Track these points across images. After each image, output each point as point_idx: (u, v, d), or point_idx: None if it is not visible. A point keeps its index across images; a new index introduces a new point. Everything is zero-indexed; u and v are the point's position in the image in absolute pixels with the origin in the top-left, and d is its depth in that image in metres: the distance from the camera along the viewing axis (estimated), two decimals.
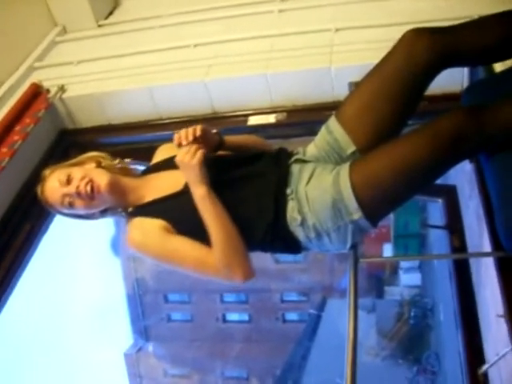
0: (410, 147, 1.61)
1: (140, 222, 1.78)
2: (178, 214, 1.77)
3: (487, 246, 2.33)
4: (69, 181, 1.78)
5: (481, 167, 2.06)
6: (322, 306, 16.47)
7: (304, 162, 1.82)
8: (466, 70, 2.41)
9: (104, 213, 1.89)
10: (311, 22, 2.86)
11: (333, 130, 1.79)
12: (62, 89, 2.90)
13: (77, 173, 1.80)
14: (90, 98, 2.88)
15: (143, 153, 2.21)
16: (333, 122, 1.80)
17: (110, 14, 3.65)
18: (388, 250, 15.59)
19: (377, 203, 1.66)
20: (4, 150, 2.52)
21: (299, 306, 18.17)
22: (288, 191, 1.73)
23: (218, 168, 1.79)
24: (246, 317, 19.02)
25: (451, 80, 2.35)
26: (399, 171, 1.60)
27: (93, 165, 1.89)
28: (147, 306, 19.48)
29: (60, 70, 3.10)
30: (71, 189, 1.77)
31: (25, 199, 2.62)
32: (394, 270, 16.71)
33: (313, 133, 1.90)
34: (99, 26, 3.49)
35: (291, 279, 17.60)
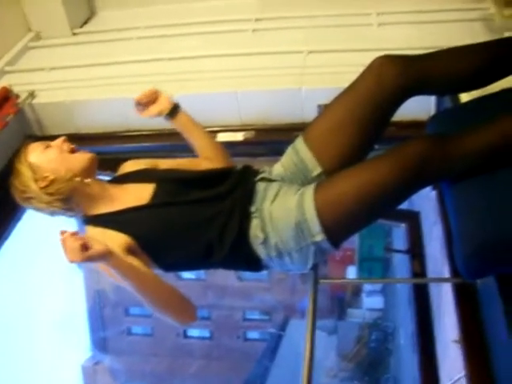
0: (374, 172, 1.63)
1: (102, 233, 1.72)
2: (141, 227, 1.75)
3: (447, 272, 2.37)
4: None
5: (442, 196, 2.10)
6: (283, 326, 16.42)
7: (270, 180, 1.83)
8: (433, 99, 2.46)
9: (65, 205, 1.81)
10: (284, 43, 2.90)
11: (299, 151, 1.81)
12: (32, 95, 2.88)
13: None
14: (59, 105, 2.86)
15: (110, 164, 2.20)
16: (300, 143, 1.82)
17: (86, 22, 3.64)
18: (352, 273, 15.65)
19: (340, 226, 1.68)
20: None
21: (261, 324, 18.09)
22: (252, 209, 1.74)
23: (184, 187, 1.80)
24: (207, 333, 18.88)
25: (419, 107, 2.40)
26: (363, 196, 1.62)
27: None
28: (107, 319, 19.23)
29: (31, 76, 3.08)
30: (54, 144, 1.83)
31: None
32: (357, 292, 16.77)
33: (280, 153, 1.92)
34: (74, 34, 3.48)
35: (254, 298, 17.54)
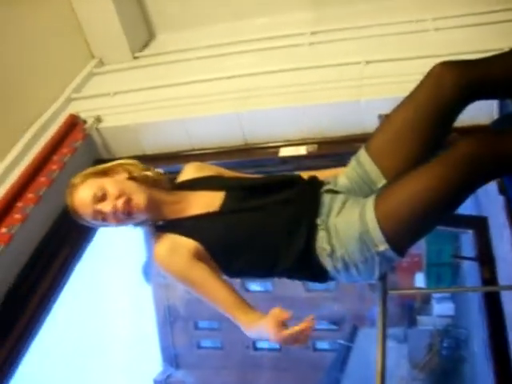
0: (427, 177, 1.62)
1: (172, 239, 1.76)
2: (211, 234, 1.77)
3: None
4: (103, 197, 1.72)
5: (510, 199, 2.07)
6: (352, 336, 16.27)
7: (335, 192, 1.84)
8: (495, 103, 2.42)
9: (135, 225, 1.85)
10: (341, 55, 2.91)
11: (363, 163, 1.82)
12: (98, 119, 2.99)
13: (112, 188, 1.74)
14: (125, 128, 2.96)
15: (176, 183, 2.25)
16: (363, 155, 1.83)
17: (146, 46, 3.75)
18: (420, 279, 15.40)
19: (401, 234, 1.68)
20: (42, 179, 2.61)
21: (330, 334, 17.96)
22: (318, 221, 1.76)
23: (252, 194, 1.83)
24: (276, 345, 18.86)
25: (481, 112, 2.36)
26: (418, 203, 1.62)
27: (124, 175, 1.82)
28: (177, 333, 19.44)
29: (97, 102, 3.20)
30: (107, 207, 1.71)
31: (62, 226, 2.66)
32: (427, 299, 16.46)
33: (343, 165, 1.93)
34: (135, 57, 3.59)
35: (322, 308, 17.44)
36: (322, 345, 18.37)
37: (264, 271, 1.83)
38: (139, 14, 3.72)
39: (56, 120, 3.03)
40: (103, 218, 1.74)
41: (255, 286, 18.13)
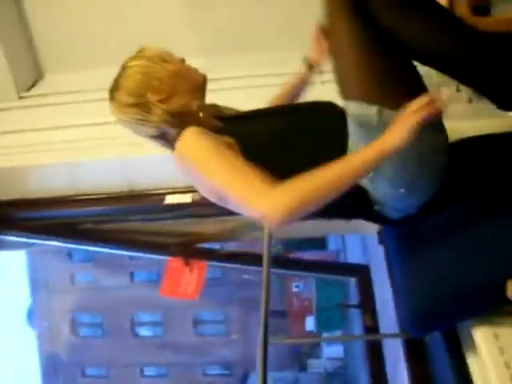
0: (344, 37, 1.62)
1: (201, 129, 1.56)
2: (250, 136, 1.63)
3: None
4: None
5: (388, 251, 2.14)
6: (244, 381, 16.22)
7: None
8: None
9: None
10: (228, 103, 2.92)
11: None
12: None
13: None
14: (5, 171, 2.84)
15: (59, 228, 2.19)
16: None
17: (33, 85, 3.64)
18: (311, 323, 15.66)
19: (371, 87, 1.61)
20: None
21: (221, 379, 17.83)
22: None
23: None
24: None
25: None
26: (357, 58, 1.60)
27: None
28: (63, 380, 18.67)
29: None
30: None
31: None
32: (317, 342, 16.73)
33: (227, 213, 1.93)
34: (20, 97, 3.47)
35: (213, 353, 17.31)
36: None
37: None
38: (27, 53, 3.61)
39: None
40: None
41: (144, 330, 17.81)
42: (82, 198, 2.83)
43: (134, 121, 1.66)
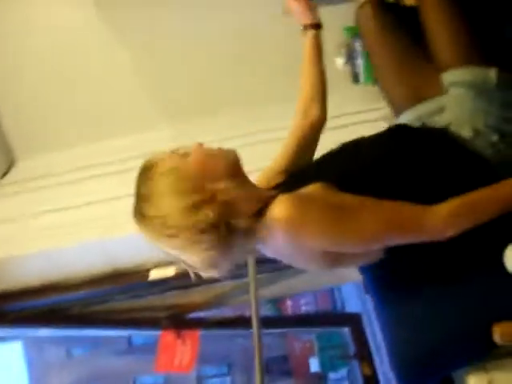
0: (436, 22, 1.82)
1: (291, 195, 1.40)
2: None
3: None
4: None
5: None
6: None
7: None
8: None
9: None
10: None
11: None
12: None
13: None
14: None
15: (43, 317, 2.17)
16: None
17: (6, 173, 3.62)
18: (315, 364, 15.46)
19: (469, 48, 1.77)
20: None
21: None
22: None
23: None
24: None
25: None
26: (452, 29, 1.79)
27: None
28: None
29: None
30: None
31: None
32: (324, 381, 16.50)
33: (213, 280, 1.90)
34: None
35: None
36: None
37: None
38: None
39: None
40: None
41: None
42: (67, 284, 2.81)
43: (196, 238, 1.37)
